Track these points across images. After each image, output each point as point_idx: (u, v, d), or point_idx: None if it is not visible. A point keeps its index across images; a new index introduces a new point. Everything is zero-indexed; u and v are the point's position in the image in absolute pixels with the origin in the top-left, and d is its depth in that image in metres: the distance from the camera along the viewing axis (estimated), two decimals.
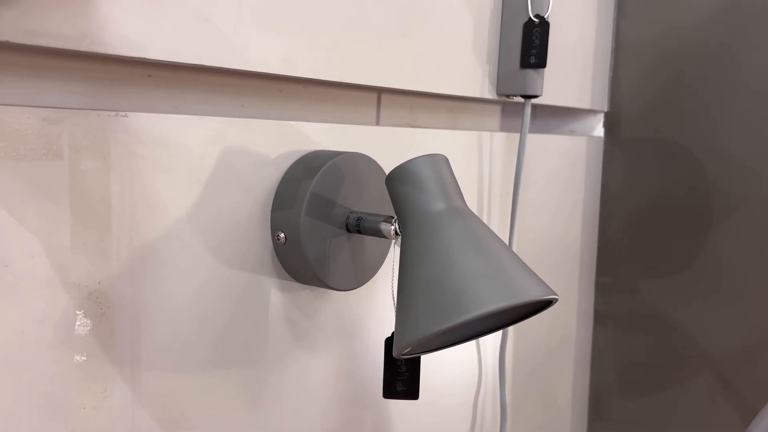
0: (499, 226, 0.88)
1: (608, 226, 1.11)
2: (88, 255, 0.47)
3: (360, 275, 0.63)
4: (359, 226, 0.60)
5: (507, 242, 0.86)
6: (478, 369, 0.88)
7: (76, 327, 0.47)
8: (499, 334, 0.89)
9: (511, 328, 0.92)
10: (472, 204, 0.83)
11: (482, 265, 0.49)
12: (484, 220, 0.85)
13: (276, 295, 0.60)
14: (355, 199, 0.61)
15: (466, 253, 0.50)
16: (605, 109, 1.08)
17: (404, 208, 0.54)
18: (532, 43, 0.81)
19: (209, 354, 0.55)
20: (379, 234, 0.58)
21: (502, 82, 0.84)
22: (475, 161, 0.83)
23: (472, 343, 0.85)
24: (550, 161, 0.97)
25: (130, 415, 0.50)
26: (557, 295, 0.50)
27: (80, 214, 0.46)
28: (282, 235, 0.58)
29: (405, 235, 0.53)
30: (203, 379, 0.55)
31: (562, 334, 1.05)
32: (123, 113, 0.48)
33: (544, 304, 0.55)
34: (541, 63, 0.81)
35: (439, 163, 0.55)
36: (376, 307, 0.71)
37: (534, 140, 0.93)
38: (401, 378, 0.60)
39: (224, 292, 0.56)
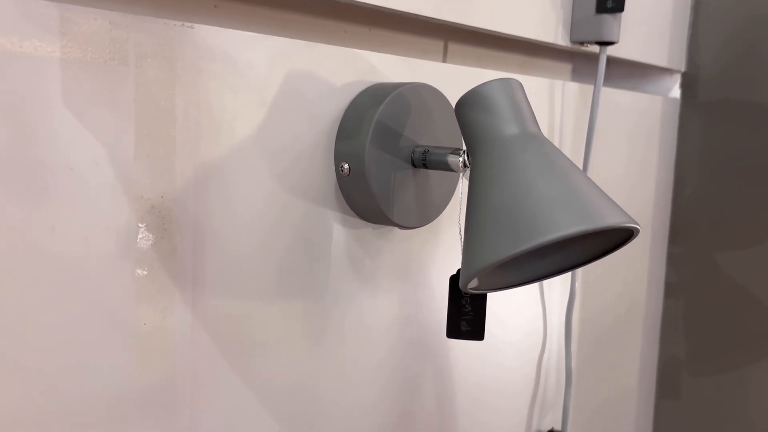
0: None
1: (683, 192, 1.05)
2: (152, 167, 0.46)
3: (425, 213, 0.61)
4: (425, 160, 0.57)
5: None
6: (543, 330, 0.84)
7: (138, 240, 0.46)
8: (565, 295, 0.86)
9: (578, 292, 0.89)
10: None
11: (558, 189, 0.46)
12: None
13: (338, 230, 0.59)
14: (422, 133, 0.59)
15: (540, 177, 0.47)
16: (683, 69, 1.03)
17: (474, 135, 0.51)
18: None
19: (270, 282, 0.54)
20: (446, 167, 0.56)
21: (576, 28, 0.80)
22: (546, 110, 0.79)
23: (537, 302, 0.82)
24: (621, 118, 0.93)
25: (189, 335, 0.49)
26: (639, 225, 0.47)
27: (144, 124, 0.45)
28: (346, 166, 0.56)
29: (475, 163, 0.50)
30: (264, 307, 0.54)
31: (630, 304, 1.01)
32: (189, 24, 0.47)
33: (622, 240, 0.52)
34: (618, 7, 0.77)
35: (513, 87, 0.52)
36: (441, 248, 0.69)
37: (606, 95, 0.89)
38: (466, 317, 0.57)
39: (286, 220, 0.54)
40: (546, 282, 0.83)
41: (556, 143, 0.82)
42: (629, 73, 1.05)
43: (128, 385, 0.46)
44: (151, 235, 0.46)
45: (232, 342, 0.52)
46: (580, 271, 0.88)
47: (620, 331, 1.00)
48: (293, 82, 0.53)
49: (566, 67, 0.92)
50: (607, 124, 0.90)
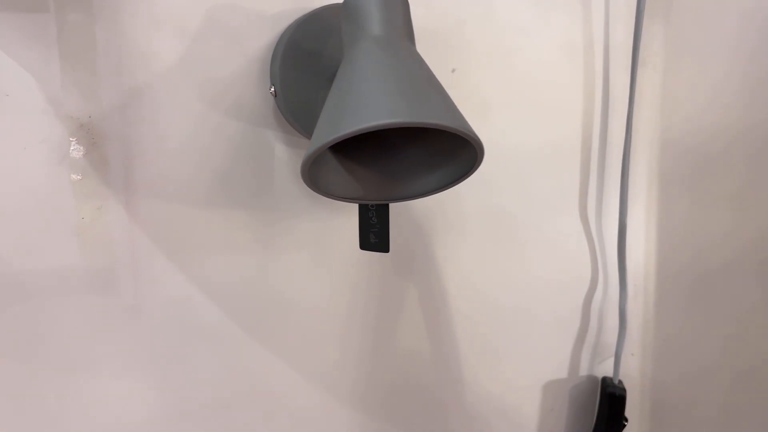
0: (619, 109, 0.74)
1: None
2: (79, 92, 0.58)
3: None
4: None
5: (625, 127, 0.73)
6: (592, 267, 0.77)
7: (70, 151, 0.58)
8: (614, 221, 0.76)
9: (642, 219, 0.78)
10: (577, 79, 0.72)
11: (391, 87, 0.46)
12: (598, 96, 0.74)
13: (282, 149, 0.64)
14: None
15: (379, 75, 0.47)
16: None
17: (344, 43, 0.53)
18: None
19: (209, 193, 0.62)
20: None
21: None
22: (579, 23, 0.71)
23: (581, 234, 0.75)
24: (725, 24, 0.77)
25: (127, 230, 0.61)
26: (475, 135, 0.44)
27: (69, 58, 0.57)
28: (273, 88, 0.61)
29: (339, 69, 0.52)
30: (204, 213, 0.62)
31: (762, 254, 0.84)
32: None
33: (472, 163, 0.49)
34: None
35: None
36: None
37: None
38: (373, 229, 0.58)
39: (223, 140, 0.62)
40: (594, 215, 0.75)
41: (597, 63, 0.73)
42: None
43: (72, 264, 0.59)
44: (81, 147, 0.58)
45: (170, 240, 0.62)
46: (633, 204, 0.77)
47: (738, 275, 0.84)
48: (217, 13, 0.60)
49: None
50: (699, 31, 0.76)
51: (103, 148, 0.59)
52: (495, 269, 0.73)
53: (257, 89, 0.62)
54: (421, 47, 0.66)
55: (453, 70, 0.68)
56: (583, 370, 0.79)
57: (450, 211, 0.70)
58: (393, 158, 0.55)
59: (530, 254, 0.74)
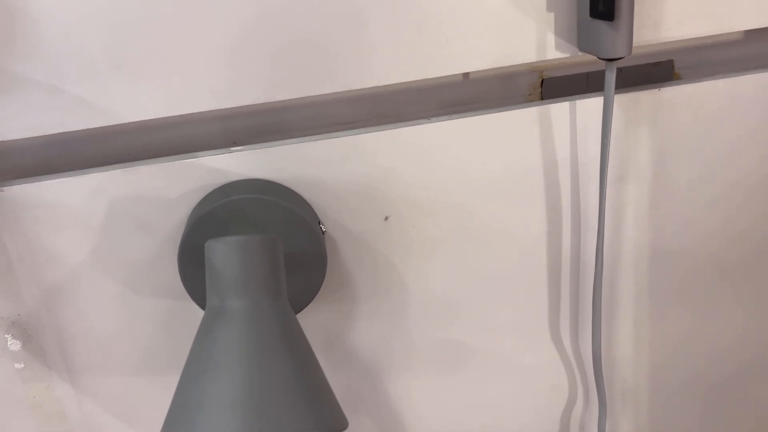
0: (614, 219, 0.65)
1: None
2: (3, 296, 0.61)
3: None
4: None
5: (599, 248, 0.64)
6: (569, 389, 0.72)
7: (9, 345, 0.62)
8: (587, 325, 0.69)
9: (630, 332, 0.70)
10: (539, 201, 0.63)
11: (236, 393, 0.45)
12: (566, 217, 0.64)
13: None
14: None
15: (226, 373, 0.46)
16: None
17: (206, 296, 0.51)
18: None
19: (140, 365, 0.65)
20: None
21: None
22: (536, 143, 0.61)
23: (556, 359, 0.70)
24: (730, 129, 0.63)
25: (77, 401, 0.65)
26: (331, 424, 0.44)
27: None
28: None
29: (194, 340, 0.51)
30: (140, 384, 0.65)
31: None
32: (0, 189, 0.57)
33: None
34: (607, 13, 0.52)
35: (252, 247, 0.49)
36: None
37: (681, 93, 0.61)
38: None
39: (145, 319, 0.63)
40: (569, 339, 0.69)
41: (563, 186, 0.63)
42: None
43: None
44: (18, 341, 0.62)
45: (115, 410, 0.66)
46: (620, 319, 0.69)
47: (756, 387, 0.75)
48: (117, 207, 0.59)
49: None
50: (697, 133, 0.63)
51: (38, 340, 0.62)
52: (452, 401, 0.71)
53: (172, 268, 0.61)
54: (347, 201, 0.61)
55: (386, 218, 0.62)
56: None
57: (396, 347, 0.68)
58: None
59: (496, 383, 0.70)
